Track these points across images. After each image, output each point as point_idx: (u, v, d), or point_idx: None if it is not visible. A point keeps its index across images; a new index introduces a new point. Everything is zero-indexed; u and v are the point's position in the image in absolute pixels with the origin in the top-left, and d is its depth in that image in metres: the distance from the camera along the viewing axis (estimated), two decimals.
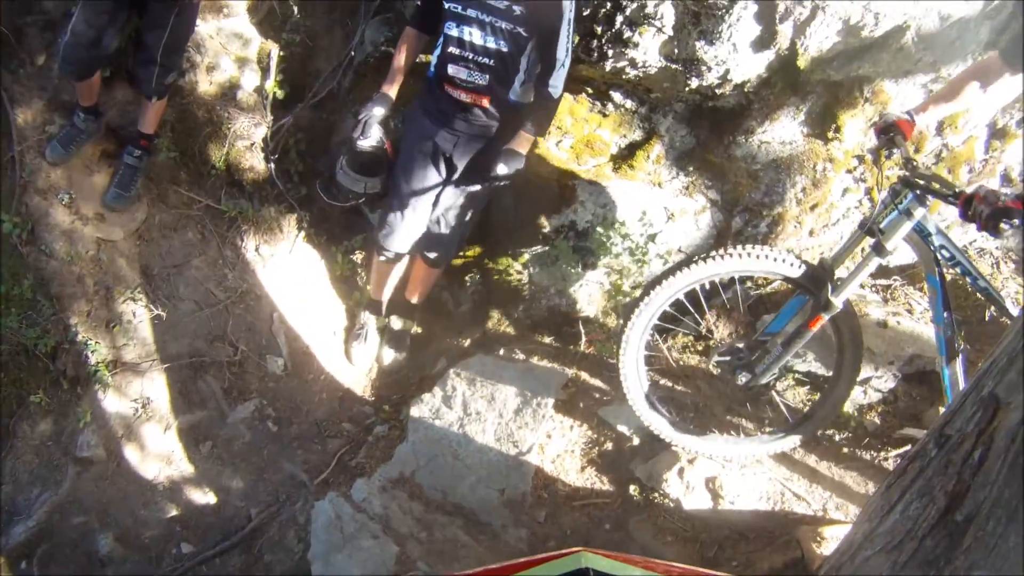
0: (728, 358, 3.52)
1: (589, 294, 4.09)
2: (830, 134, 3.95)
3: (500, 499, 3.55)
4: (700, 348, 4.04)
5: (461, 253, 4.21)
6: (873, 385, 3.81)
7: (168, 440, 3.96)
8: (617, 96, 4.01)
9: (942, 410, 3.61)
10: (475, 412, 3.75)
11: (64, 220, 4.07)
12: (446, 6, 3.41)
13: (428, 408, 3.81)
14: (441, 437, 3.71)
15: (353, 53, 4.41)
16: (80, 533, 3.80)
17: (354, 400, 4.23)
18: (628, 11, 3.58)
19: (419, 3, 3.66)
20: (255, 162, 4.38)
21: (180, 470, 3.93)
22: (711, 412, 3.80)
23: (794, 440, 3.55)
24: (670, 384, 3.88)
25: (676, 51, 3.65)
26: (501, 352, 4.09)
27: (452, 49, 3.46)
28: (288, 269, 4.49)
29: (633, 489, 3.54)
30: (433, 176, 3.74)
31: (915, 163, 3.13)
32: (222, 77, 4.35)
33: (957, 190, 2.85)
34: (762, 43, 3.59)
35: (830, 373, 3.64)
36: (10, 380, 3.96)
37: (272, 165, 4.41)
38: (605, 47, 3.71)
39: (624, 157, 4.04)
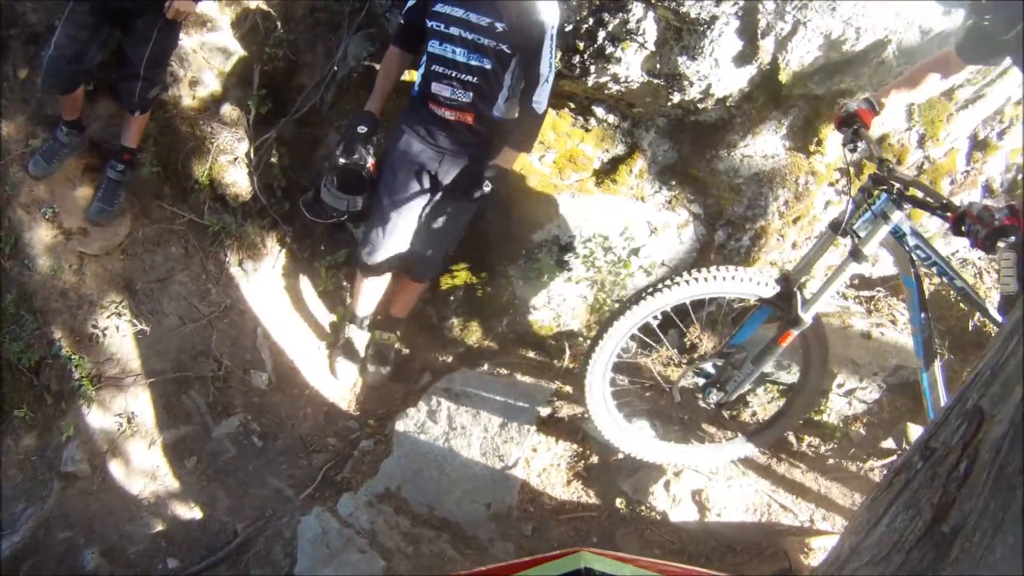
0: (698, 378, 3.46)
1: (573, 308, 4.10)
2: (812, 147, 3.98)
3: (487, 513, 3.55)
4: (684, 360, 4.03)
5: (446, 269, 4.21)
6: (858, 396, 3.83)
7: (153, 455, 3.93)
8: (599, 111, 4.04)
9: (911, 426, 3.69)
10: (460, 426, 3.75)
11: (47, 234, 4.05)
12: (429, 25, 3.43)
13: (413, 422, 3.82)
14: (427, 451, 3.70)
15: (336, 68, 4.42)
16: (66, 548, 3.74)
17: (339, 415, 4.21)
18: (610, 27, 3.61)
19: (402, 22, 3.66)
20: (238, 177, 4.35)
21: (165, 485, 3.89)
22: (676, 419, 3.83)
23: (751, 448, 3.56)
24: (633, 395, 3.84)
25: (658, 66, 3.68)
26: (485, 367, 4.10)
27: (436, 67, 3.48)
28: (272, 284, 4.48)
29: (619, 502, 3.56)
30: (417, 193, 3.74)
31: (888, 162, 3.01)
32: (205, 92, 4.35)
33: (945, 202, 2.81)
34: (744, 58, 3.62)
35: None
36: None
37: (255, 180, 4.39)
38: (587, 62, 3.74)
39: (607, 172, 4.06)
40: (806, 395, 3.55)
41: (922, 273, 3.16)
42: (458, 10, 3.38)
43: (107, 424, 3.93)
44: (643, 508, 3.52)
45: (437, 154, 3.66)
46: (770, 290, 3.17)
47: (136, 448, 3.92)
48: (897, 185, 2.94)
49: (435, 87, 3.51)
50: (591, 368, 3.31)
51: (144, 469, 3.90)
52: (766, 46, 3.58)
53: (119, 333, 4.05)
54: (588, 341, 3.70)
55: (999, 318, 3.25)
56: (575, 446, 3.76)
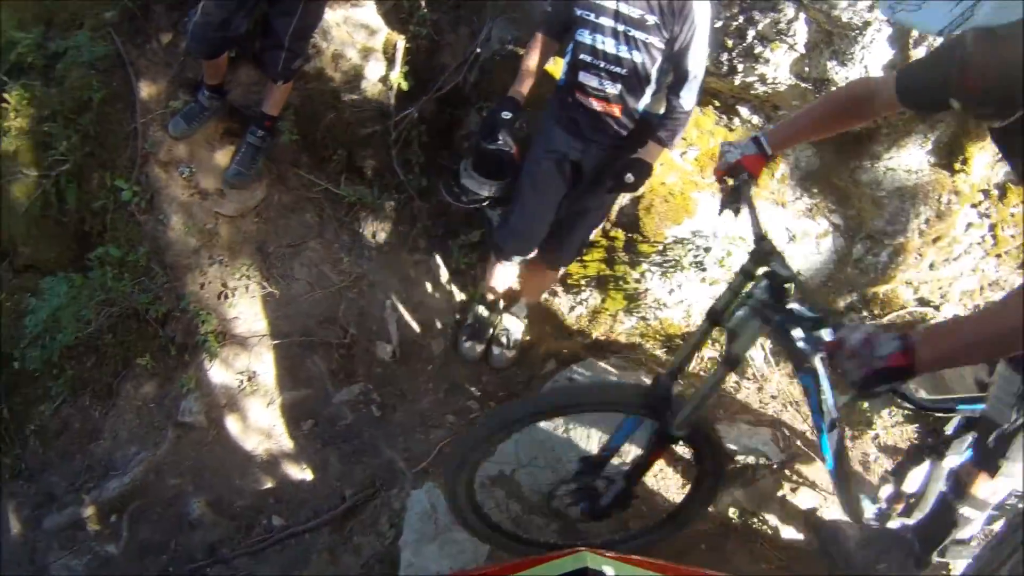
0: (572, 486, 2.92)
1: (703, 309, 4.02)
2: (957, 165, 3.79)
3: None
4: None
5: (579, 258, 4.12)
6: None
7: (270, 414, 3.98)
8: (744, 111, 3.93)
9: None
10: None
11: (183, 193, 4.16)
12: (578, 13, 3.35)
13: None
14: (545, 439, 3.59)
15: (479, 50, 4.40)
16: (173, 494, 3.84)
17: (460, 394, 4.17)
18: (760, 26, 3.52)
19: (550, 8, 3.62)
20: (377, 150, 4.39)
21: (279, 444, 3.94)
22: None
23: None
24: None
25: (807, 70, 3.57)
26: (611, 359, 4.00)
27: (584, 56, 3.40)
28: (404, 258, 4.49)
29: (732, 512, 3.39)
30: (558, 182, 3.69)
31: (769, 241, 2.38)
32: (347, 65, 4.39)
33: (820, 316, 2.20)
34: (894, 67, 3.46)
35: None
36: (118, 341, 4.04)
37: (394, 154, 4.42)
38: (735, 61, 3.65)
39: None
40: (687, 514, 3.07)
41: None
42: (609, 0, 3.35)
43: (228, 380, 4.00)
44: (755, 521, 3.34)
45: (581, 143, 3.59)
46: (634, 399, 2.70)
47: (254, 406, 3.97)
48: (783, 272, 2.29)
49: (582, 76, 3.44)
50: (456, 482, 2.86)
51: (260, 427, 3.95)
52: (918, 56, 3.46)
53: (248, 294, 4.13)
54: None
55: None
56: None
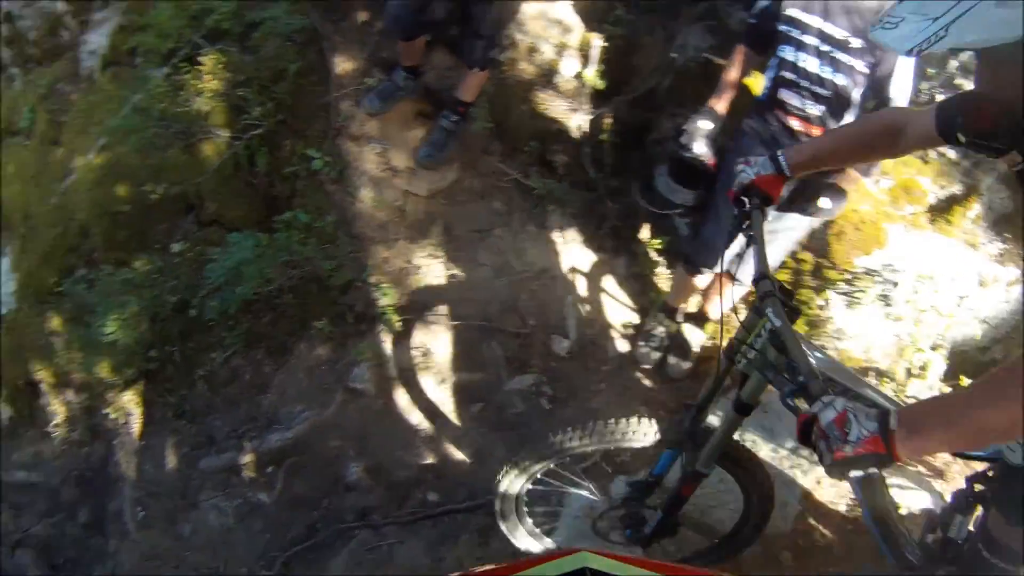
0: (620, 511, 2.89)
1: (885, 345, 3.97)
2: None
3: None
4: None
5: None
6: None
7: (441, 392, 3.99)
8: None
9: None
10: (751, 441, 3.50)
11: (374, 168, 4.26)
12: (783, 29, 3.30)
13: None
14: None
15: (675, 55, 4.39)
16: (333, 455, 3.90)
17: (632, 398, 4.10)
18: (962, 56, 3.48)
19: (753, 22, 3.54)
20: (567, 146, 4.41)
21: (446, 423, 3.94)
22: None
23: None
24: None
25: None
26: None
27: (786, 74, 3.34)
28: (588, 255, 4.46)
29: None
30: None
31: (774, 281, 2.15)
32: (542, 59, 4.43)
33: (800, 383, 1.88)
34: None
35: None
36: (297, 303, 4.14)
37: (586, 152, 4.43)
38: (935, 91, 3.60)
39: (941, 210, 3.83)
40: (740, 539, 2.96)
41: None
42: (816, 19, 3.22)
43: (402, 354, 4.03)
44: None
45: None
46: (657, 435, 2.59)
47: (426, 382, 3.99)
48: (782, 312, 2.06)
49: (783, 94, 3.38)
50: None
51: (428, 403, 3.96)
52: None
53: (431, 273, 4.18)
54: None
55: None
56: None
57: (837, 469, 1.62)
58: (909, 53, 1.47)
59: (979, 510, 2.47)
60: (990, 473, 2.39)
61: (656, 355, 4.22)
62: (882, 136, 2.20)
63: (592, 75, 4.45)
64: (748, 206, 2.36)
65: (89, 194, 4.42)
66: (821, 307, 3.96)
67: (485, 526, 3.64)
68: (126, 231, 4.38)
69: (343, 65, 4.37)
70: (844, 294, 3.89)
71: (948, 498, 2.63)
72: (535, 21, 4.46)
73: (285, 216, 4.14)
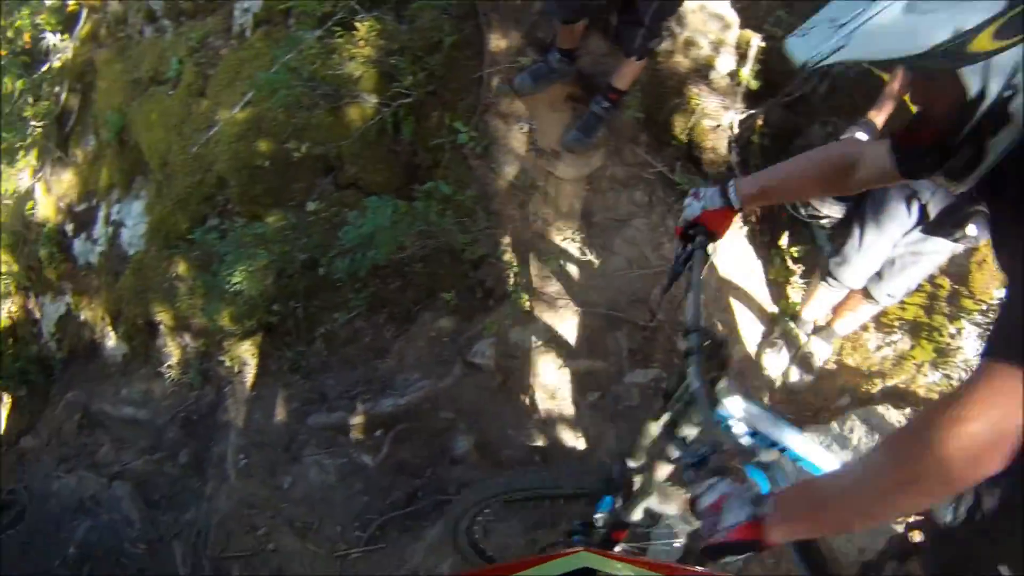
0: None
1: None
2: None
3: (853, 556, 3.31)
4: None
5: (902, 301, 3.92)
6: None
7: (560, 377, 3.93)
8: None
9: None
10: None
11: (519, 147, 4.20)
12: None
13: (816, 440, 3.65)
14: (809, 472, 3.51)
15: None
16: (444, 427, 3.89)
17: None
18: None
19: None
20: (717, 144, 4.31)
21: (560, 408, 3.88)
22: None
23: None
24: None
25: None
26: (908, 410, 3.75)
27: None
28: (724, 258, 4.36)
29: None
30: (903, 218, 3.53)
31: (705, 330, 1.96)
32: (698, 54, 4.34)
33: (702, 456, 1.77)
34: None
35: None
36: (427, 272, 4.14)
37: (734, 152, 4.33)
38: None
39: None
40: None
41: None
42: None
43: (527, 334, 3.98)
44: None
45: (931, 184, 3.46)
46: (591, 481, 2.55)
47: (546, 365, 3.93)
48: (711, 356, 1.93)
49: None
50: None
51: (547, 386, 3.91)
52: None
53: (565, 256, 4.12)
54: None
55: None
56: None
57: (711, 554, 1.58)
58: (804, 66, 1.34)
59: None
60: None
61: (780, 365, 4.14)
62: (835, 169, 2.05)
63: (747, 74, 4.34)
64: (691, 244, 2.17)
65: (230, 147, 4.45)
66: (952, 335, 3.83)
67: (585, 515, 3.62)
68: (263, 186, 4.41)
69: (498, 42, 4.33)
70: (978, 325, 3.74)
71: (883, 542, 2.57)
72: (695, 15, 4.37)
73: (426, 186, 4.12)
